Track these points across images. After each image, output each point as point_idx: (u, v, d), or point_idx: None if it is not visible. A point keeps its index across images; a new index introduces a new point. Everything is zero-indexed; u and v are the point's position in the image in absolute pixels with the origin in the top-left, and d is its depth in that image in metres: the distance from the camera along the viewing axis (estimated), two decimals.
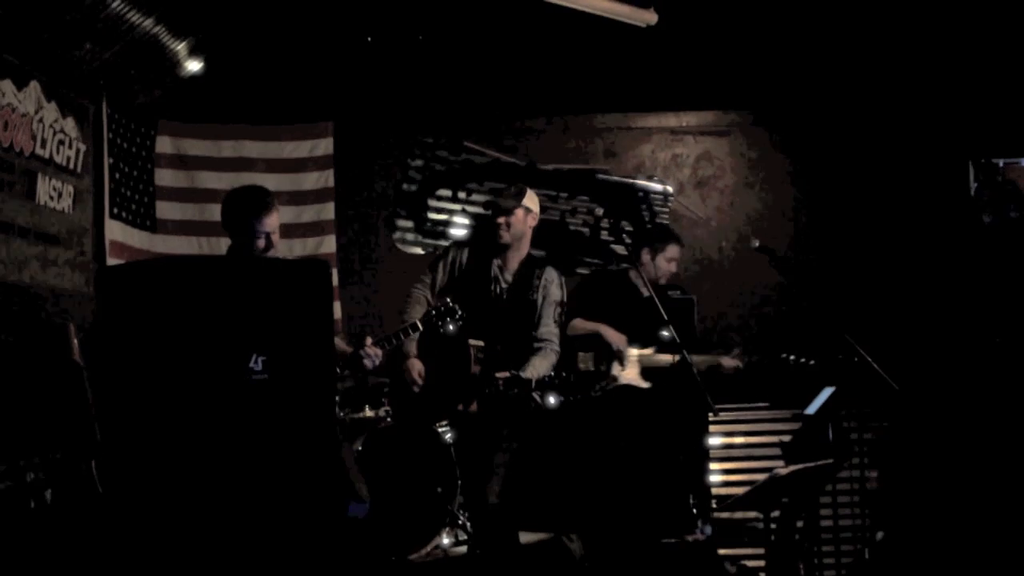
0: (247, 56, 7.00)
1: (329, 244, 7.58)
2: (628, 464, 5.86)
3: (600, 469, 5.86)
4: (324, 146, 7.62)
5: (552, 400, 4.78)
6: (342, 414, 5.84)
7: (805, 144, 7.68)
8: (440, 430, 5.62)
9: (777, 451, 5.45)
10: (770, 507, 4.60)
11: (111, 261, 6.48)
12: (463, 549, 5.52)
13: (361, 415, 5.94)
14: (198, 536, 3.27)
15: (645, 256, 6.21)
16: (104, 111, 6.53)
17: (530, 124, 7.80)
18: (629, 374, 5.99)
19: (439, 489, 5.65)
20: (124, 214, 6.77)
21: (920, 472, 4.77)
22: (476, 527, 5.01)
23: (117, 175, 6.70)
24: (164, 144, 7.29)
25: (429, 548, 5.57)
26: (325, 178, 7.61)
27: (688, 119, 7.88)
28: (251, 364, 3.38)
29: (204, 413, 3.31)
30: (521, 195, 4.99)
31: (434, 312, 4.78)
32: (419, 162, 7.60)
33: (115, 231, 6.64)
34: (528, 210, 5.02)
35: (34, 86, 5.77)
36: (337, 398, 5.54)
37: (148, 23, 6.13)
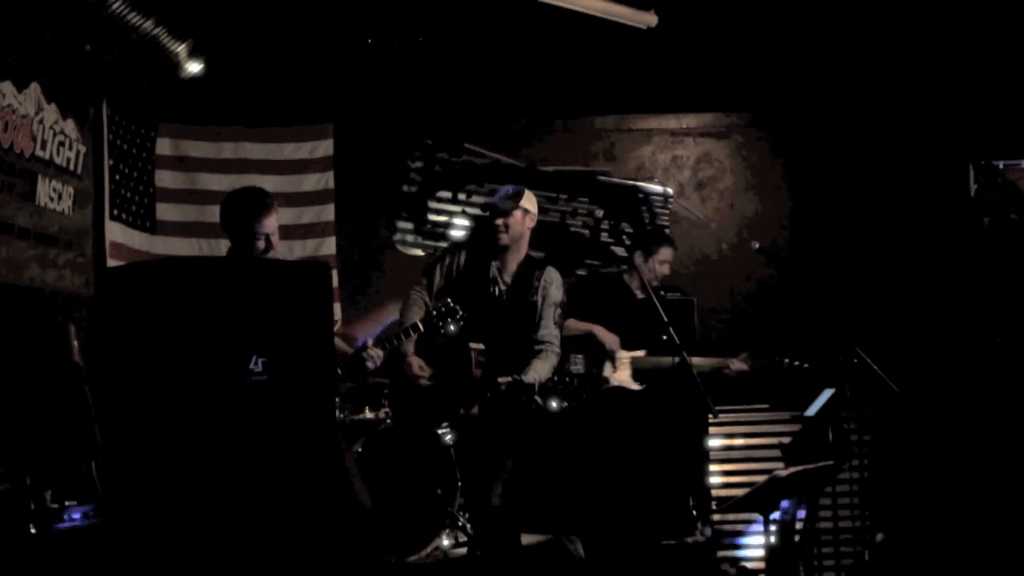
0: (247, 58, 7.00)
1: (329, 246, 7.58)
2: (626, 465, 5.86)
3: (598, 471, 5.86)
4: (324, 148, 7.62)
5: (554, 404, 4.78)
6: (342, 415, 5.84)
7: (805, 146, 7.68)
8: (440, 432, 5.62)
9: (777, 453, 5.45)
10: (770, 509, 4.60)
11: (111, 262, 6.48)
12: (463, 551, 5.52)
13: (361, 417, 5.94)
14: (198, 537, 3.27)
15: (638, 259, 6.22)
16: (104, 112, 6.53)
17: (530, 126, 7.80)
18: (621, 376, 6.00)
19: (439, 491, 5.65)
20: (124, 215, 6.77)
21: (920, 473, 4.77)
22: (478, 529, 5.00)
23: (117, 176, 6.70)
24: (164, 145, 7.29)
25: (429, 550, 5.57)
26: (325, 180, 7.61)
27: (688, 121, 7.88)
28: (251, 365, 3.38)
29: (204, 414, 3.31)
30: (519, 196, 4.97)
31: (435, 313, 4.78)
32: (419, 164, 7.60)
33: (115, 232, 6.64)
34: (526, 211, 4.99)
35: (34, 87, 5.77)
36: (337, 400, 5.56)
37: (148, 25, 6.13)
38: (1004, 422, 4.61)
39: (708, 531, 5.74)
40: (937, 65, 7.02)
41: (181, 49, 6.60)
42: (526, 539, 5.05)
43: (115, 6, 5.79)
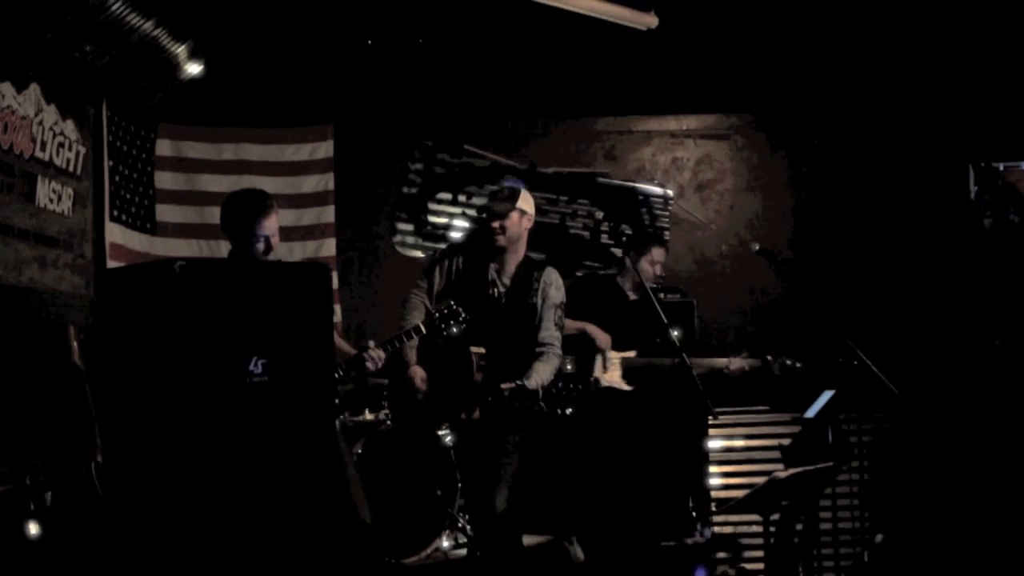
0: (247, 59, 7.00)
1: (329, 247, 7.58)
2: (625, 467, 5.86)
3: (598, 472, 5.86)
4: (324, 149, 7.62)
5: (569, 411, 4.76)
6: (342, 417, 5.84)
7: (806, 147, 7.69)
8: (440, 433, 5.62)
9: (777, 454, 5.44)
10: (770, 510, 4.59)
11: (111, 263, 6.48)
12: (463, 552, 5.52)
13: (361, 418, 5.94)
14: (197, 538, 3.27)
15: (629, 260, 6.22)
16: (104, 114, 6.53)
17: (530, 127, 7.81)
18: (611, 377, 6.00)
19: (439, 492, 5.65)
20: (124, 216, 6.78)
21: (920, 474, 4.77)
22: (479, 532, 4.98)
23: (117, 177, 6.70)
24: (164, 147, 7.29)
25: (429, 551, 5.57)
26: (325, 181, 7.61)
27: (688, 122, 7.88)
28: (251, 367, 3.38)
29: (204, 415, 3.31)
30: (515, 197, 4.91)
31: (438, 315, 4.75)
32: (419, 165, 7.60)
33: (115, 233, 6.64)
34: (523, 212, 4.92)
35: (34, 88, 5.77)
36: (337, 401, 5.55)
37: (148, 26, 6.13)
38: (1004, 423, 4.61)
39: (708, 532, 5.74)
40: (937, 67, 7.03)
41: (181, 50, 6.60)
42: (526, 540, 5.05)
43: (115, 7, 5.80)
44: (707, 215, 7.79)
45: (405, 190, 7.59)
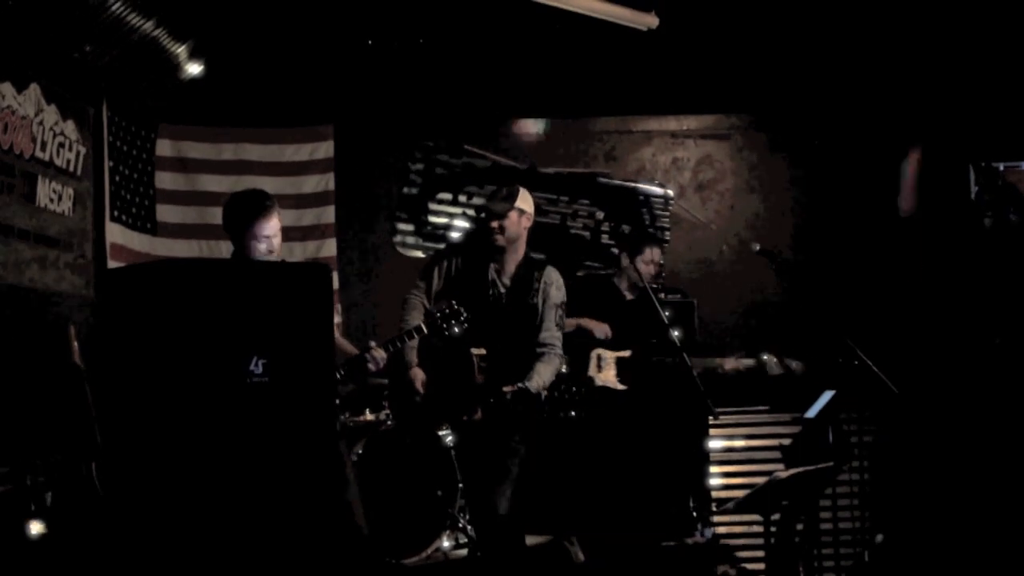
0: (247, 59, 7.00)
1: (329, 247, 7.58)
2: (625, 467, 5.86)
3: (598, 472, 5.86)
4: (324, 149, 7.62)
5: (572, 414, 4.76)
6: (343, 418, 5.83)
7: (806, 147, 7.68)
8: (441, 434, 5.62)
9: (777, 454, 5.44)
10: (770, 510, 4.59)
11: (111, 264, 6.48)
12: (463, 552, 5.52)
13: (362, 419, 5.94)
14: (197, 539, 3.27)
15: (624, 261, 6.22)
16: (104, 114, 6.53)
17: (531, 127, 7.81)
18: (606, 376, 6.00)
19: (439, 492, 5.64)
20: (124, 217, 6.78)
21: (920, 474, 4.77)
22: (481, 533, 4.97)
23: (117, 178, 6.70)
24: (164, 147, 7.29)
25: (429, 551, 5.56)
26: (325, 181, 7.61)
27: (689, 123, 7.88)
28: (251, 367, 3.38)
29: (204, 416, 3.31)
30: (513, 197, 4.88)
31: (439, 315, 4.73)
32: (420, 165, 7.61)
33: (115, 234, 6.64)
34: (522, 211, 4.89)
35: (34, 88, 5.77)
36: (337, 402, 5.55)
37: (148, 26, 6.13)
38: (1004, 423, 4.61)
39: (708, 532, 5.74)
40: (937, 67, 7.02)
41: (181, 50, 6.60)
42: (526, 541, 5.05)
43: (115, 7, 5.80)
44: (707, 215, 7.79)
45: (405, 190, 7.60)
